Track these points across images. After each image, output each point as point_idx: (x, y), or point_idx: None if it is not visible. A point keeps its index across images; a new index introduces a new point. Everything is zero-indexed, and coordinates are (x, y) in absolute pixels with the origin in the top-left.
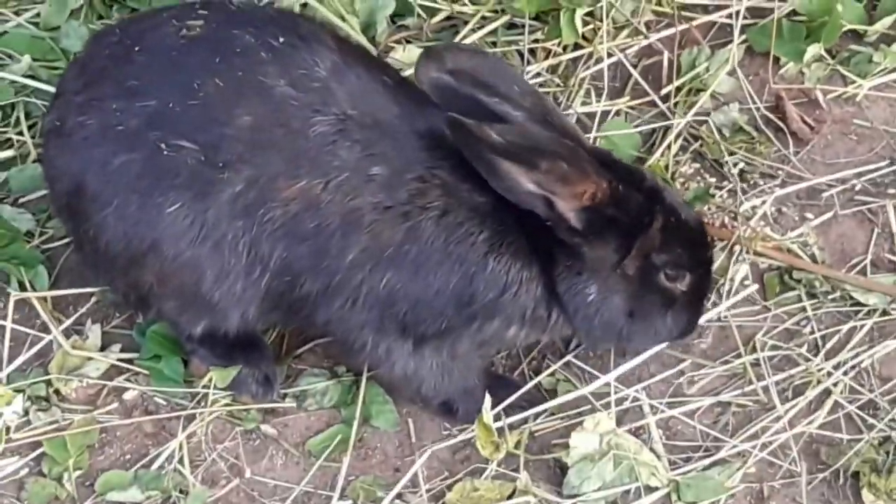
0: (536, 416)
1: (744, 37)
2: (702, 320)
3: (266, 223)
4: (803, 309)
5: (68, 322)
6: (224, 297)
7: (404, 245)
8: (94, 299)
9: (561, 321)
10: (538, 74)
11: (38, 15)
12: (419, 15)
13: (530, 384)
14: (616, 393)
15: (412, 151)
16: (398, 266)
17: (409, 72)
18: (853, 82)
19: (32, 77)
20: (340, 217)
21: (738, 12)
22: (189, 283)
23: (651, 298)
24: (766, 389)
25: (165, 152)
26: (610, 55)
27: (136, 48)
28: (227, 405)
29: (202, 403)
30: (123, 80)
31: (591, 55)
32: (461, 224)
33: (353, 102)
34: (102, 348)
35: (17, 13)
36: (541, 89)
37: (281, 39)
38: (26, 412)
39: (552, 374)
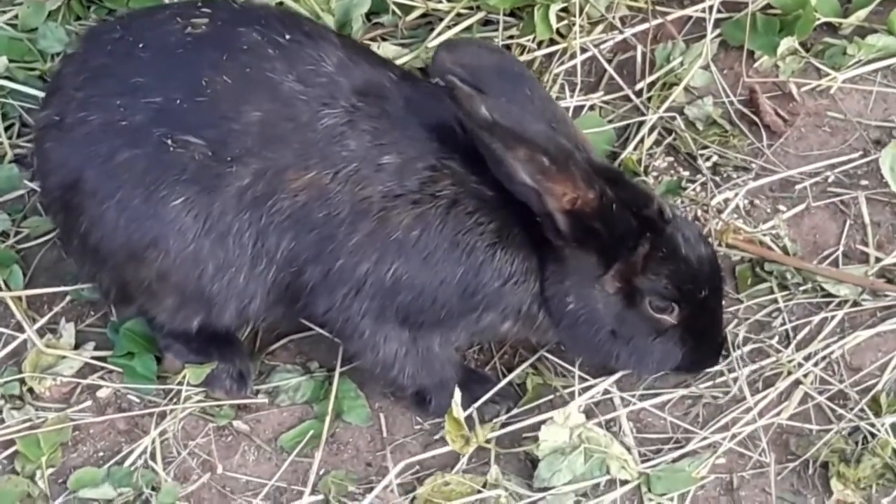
0: (507, 409)
1: (718, 31)
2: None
3: (274, 214)
4: (775, 301)
5: (42, 321)
6: (223, 291)
7: (412, 231)
8: (68, 298)
9: (546, 324)
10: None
11: (15, 17)
12: (394, 12)
13: (503, 382)
14: (586, 386)
15: (423, 142)
16: (405, 255)
17: None
18: (827, 75)
19: (9, 78)
20: (350, 206)
21: (712, 6)
22: (190, 277)
23: (635, 323)
24: (736, 381)
25: (172, 148)
26: (584, 50)
27: (140, 45)
28: (199, 402)
29: (175, 400)
30: (127, 76)
31: (565, 50)
32: (470, 214)
33: (361, 95)
34: (76, 347)
35: None
36: None
37: (287, 36)
38: (0, 410)
39: (522, 369)
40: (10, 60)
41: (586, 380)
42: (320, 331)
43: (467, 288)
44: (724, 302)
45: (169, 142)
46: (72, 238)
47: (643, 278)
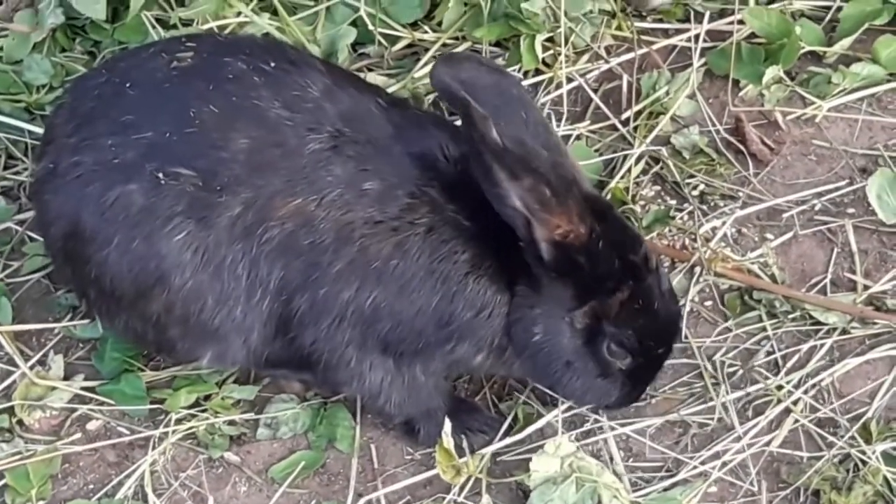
0: (498, 439)
1: (703, 60)
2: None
3: (264, 244)
4: (763, 329)
5: (37, 356)
6: (224, 324)
7: (391, 260)
8: (57, 333)
9: (511, 355)
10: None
11: (0, 48)
12: (380, 43)
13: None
14: (575, 415)
15: (404, 168)
16: (384, 283)
17: None
18: (812, 103)
19: None
20: (334, 232)
21: (697, 35)
22: (193, 311)
23: (589, 360)
24: (726, 409)
25: (164, 181)
26: (570, 80)
27: (127, 84)
28: (189, 428)
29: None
30: (117, 116)
31: (551, 80)
32: (445, 242)
33: (347, 121)
34: (66, 379)
35: None
36: None
37: (272, 64)
38: None
39: (512, 399)
40: None
41: (574, 408)
42: None
43: (441, 317)
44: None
45: (160, 175)
46: (86, 289)
47: (611, 324)
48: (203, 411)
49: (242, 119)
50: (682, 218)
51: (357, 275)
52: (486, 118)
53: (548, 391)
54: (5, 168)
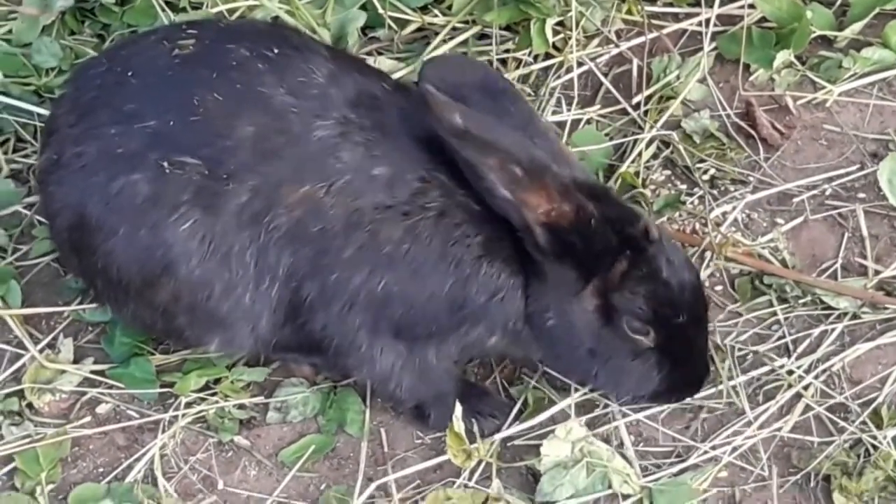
0: (509, 423)
1: (714, 44)
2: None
3: (272, 231)
4: (774, 313)
5: (45, 340)
6: (232, 311)
7: (403, 244)
8: (67, 317)
9: (529, 339)
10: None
11: (10, 31)
12: (390, 27)
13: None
14: (586, 400)
15: (413, 152)
16: (395, 267)
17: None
18: (823, 88)
19: (4, 93)
20: (344, 219)
21: (707, 20)
22: (200, 299)
23: (613, 342)
24: (737, 394)
25: (169, 170)
26: (580, 64)
27: (129, 73)
28: (199, 412)
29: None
30: (120, 105)
31: (561, 64)
32: (458, 226)
33: (353, 107)
34: (75, 362)
35: None
36: None
37: (275, 50)
38: None
39: (522, 383)
40: (5, 75)
41: (585, 393)
42: None
43: (455, 301)
44: (708, 333)
45: (165, 164)
46: (94, 279)
47: (619, 296)
48: (213, 395)
49: (247, 106)
50: (692, 202)
51: (368, 260)
52: (445, 103)
53: (561, 376)
54: (14, 151)
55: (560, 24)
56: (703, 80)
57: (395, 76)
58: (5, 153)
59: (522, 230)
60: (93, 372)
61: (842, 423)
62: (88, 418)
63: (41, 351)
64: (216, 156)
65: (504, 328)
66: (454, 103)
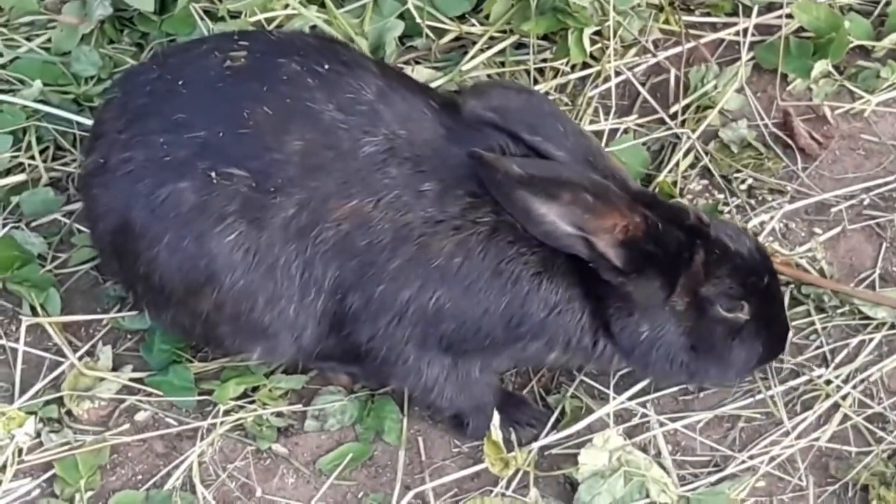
0: (546, 432)
1: (751, 54)
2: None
3: (319, 244)
4: (812, 323)
5: (84, 348)
6: (275, 322)
7: (454, 258)
8: (105, 323)
9: (610, 354)
10: (546, 93)
11: (49, 40)
12: (428, 36)
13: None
14: (624, 409)
15: (462, 169)
16: (448, 283)
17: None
18: (861, 98)
19: (44, 102)
20: (392, 233)
21: (745, 29)
22: (243, 309)
23: (711, 331)
24: (774, 403)
25: (216, 181)
26: (618, 73)
27: (180, 82)
28: (237, 419)
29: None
30: (170, 113)
31: (599, 74)
32: (512, 243)
33: (401, 123)
34: (114, 370)
35: (28, 39)
36: None
37: (326, 66)
38: (38, 434)
39: (560, 392)
40: (45, 84)
41: (622, 402)
42: None
43: (512, 318)
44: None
45: (213, 175)
46: (135, 284)
47: (708, 285)
48: (251, 402)
49: (296, 121)
50: (730, 212)
51: (418, 273)
52: (500, 158)
53: (598, 385)
54: (54, 159)
55: (597, 33)
56: (740, 90)
57: (433, 85)
58: (45, 161)
59: (594, 259)
60: (131, 379)
61: (880, 433)
62: (127, 426)
63: (80, 358)
64: (264, 169)
65: (565, 344)
66: (506, 158)
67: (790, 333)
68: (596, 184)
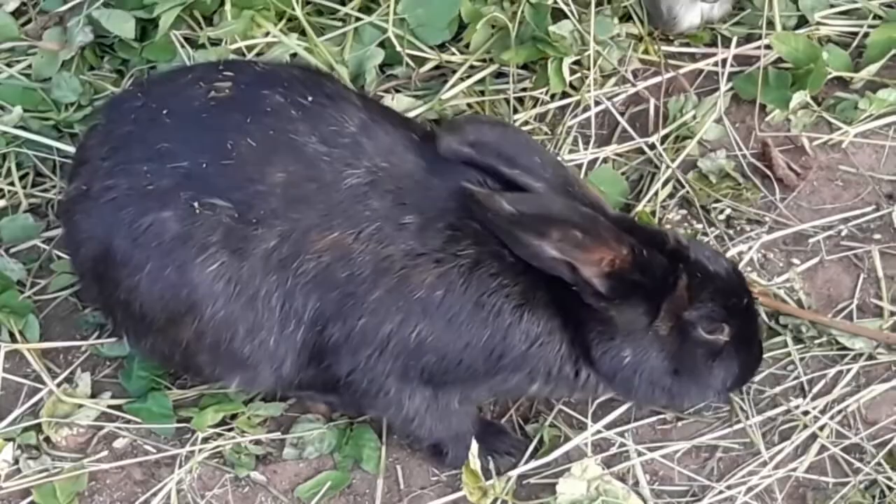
0: (525, 461)
1: (730, 84)
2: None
3: (300, 276)
4: (789, 354)
5: (64, 374)
6: (255, 353)
7: (436, 291)
8: (84, 351)
9: (594, 382)
10: (526, 123)
11: (29, 66)
12: (408, 64)
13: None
14: (602, 438)
15: (444, 202)
16: (430, 316)
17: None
18: (839, 129)
19: (24, 128)
20: (373, 265)
21: (724, 60)
22: (223, 339)
23: (692, 354)
24: (752, 433)
25: (199, 211)
26: (597, 103)
27: (164, 111)
28: (216, 447)
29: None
30: (153, 142)
31: (578, 103)
32: (494, 276)
33: (384, 156)
34: (93, 396)
35: (8, 65)
36: None
37: (309, 98)
38: (16, 461)
39: (538, 421)
40: (25, 110)
41: (600, 431)
42: None
43: (494, 350)
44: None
45: (196, 205)
46: (114, 310)
47: (691, 309)
48: (229, 430)
49: (279, 153)
50: (708, 242)
51: (399, 306)
52: (491, 195)
53: (576, 414)
54: (33, 185)
55: (577, 63)
56: (719, 120)
57: (413, 114)
58: (24, 187)
59: (578, 284)
60: (110, 406)
61: (857, 464)
62: (106, 452)
63: (59, 385)
64: (247, 200)
65: (547, 375)
66: (497, 192)
67: (765, 359)
68: (584, 217)
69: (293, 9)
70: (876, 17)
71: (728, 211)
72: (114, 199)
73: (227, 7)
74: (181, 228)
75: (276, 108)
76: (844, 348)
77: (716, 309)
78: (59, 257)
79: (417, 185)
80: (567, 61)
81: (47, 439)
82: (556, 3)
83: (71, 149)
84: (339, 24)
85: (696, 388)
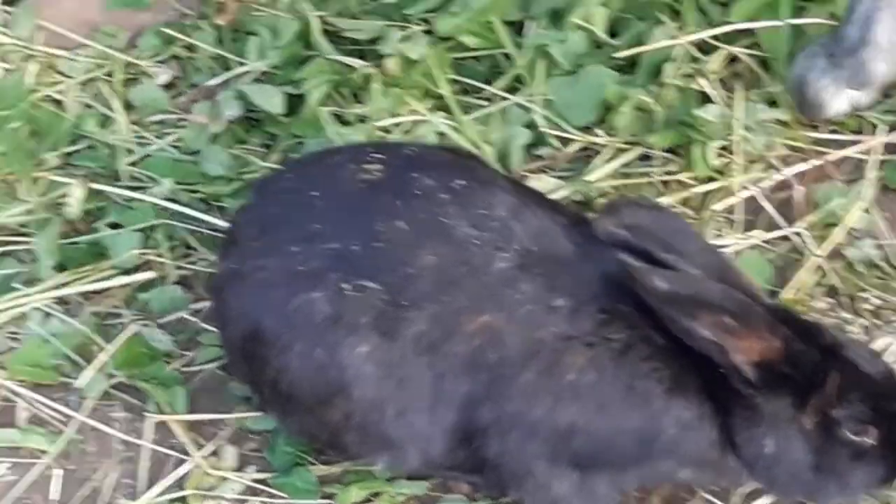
0: None
1: (879, 172)
2: None
3: (450, 358)
4: None
5: (210, 448)
6: (403, 434)
7: (586, 375)
8: (230, 424)
9: (739, 469)
10: (671, 206)
11: (179, 139)
12: (553, 146)
13: None
14: None
15: (594, 285)
16: (580, 400)
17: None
18: None
19: (173, 200)
20: (524, 347)
21: (872, 148)
22: (372, 420)
23: (836, 452)
24: None
25: (349, 293)
26: (743, 188)
27: (315, 192)
28: None
29: None
30: (304, 223)
31: (723, 188)
32: (646, 360)
33: (533, 240)
34: (238, 470)
35: (159, 137)
36: None
37: (459, 182)
38: None
39: None
40: (174, 182)
41: None
42: None
43: (643, 435)
44: None
45: (346, 287)
46: (262, 388)
47: (839, 408)
48: None
49: (429, 236)
50: (855, 332)
51: (549, 389)
52: (647, 270)
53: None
54: (182, 257)
55: (723, 148)
56: (867, 209)
57: (558, 195)
58: (173, 259)
59: (728, 368)
60: (255, 480)
61: None
62: None
63: (205, 457)
64: (397, 282)
65: (698, 460)
66: (654, 268)
67: None
68: (738, 304)
69: (440, 87)
70: None
71: (876, 301)
72: (264, 279)
73: (376, 85)
74: (331, 310)
75: (426, 191)
76: None
77: (864, 410)
78: (206, 330)
79: (568, 268)
80: (712, 146)
81: None
82: (701, 87)
83: (219, 222)
84: (485, 103)
85: (837, 486)
